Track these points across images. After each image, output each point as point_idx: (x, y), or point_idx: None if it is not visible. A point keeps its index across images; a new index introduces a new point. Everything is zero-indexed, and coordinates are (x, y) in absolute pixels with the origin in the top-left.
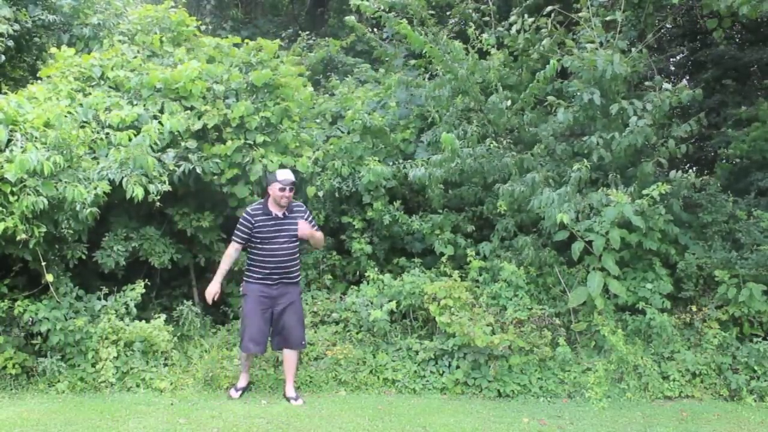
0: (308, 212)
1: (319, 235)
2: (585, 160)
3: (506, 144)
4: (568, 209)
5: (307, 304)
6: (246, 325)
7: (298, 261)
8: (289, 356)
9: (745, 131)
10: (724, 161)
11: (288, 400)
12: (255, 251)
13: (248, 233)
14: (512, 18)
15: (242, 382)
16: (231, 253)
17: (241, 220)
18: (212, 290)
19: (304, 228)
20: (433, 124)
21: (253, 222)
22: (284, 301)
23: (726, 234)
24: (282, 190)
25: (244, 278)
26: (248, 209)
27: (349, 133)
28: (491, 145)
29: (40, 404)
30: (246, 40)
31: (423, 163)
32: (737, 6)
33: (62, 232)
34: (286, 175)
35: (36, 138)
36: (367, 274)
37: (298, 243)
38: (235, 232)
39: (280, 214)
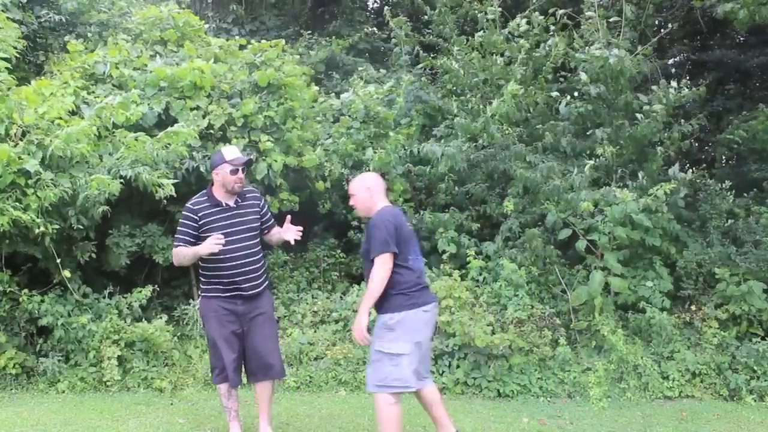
0: (263, 198)
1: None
2: (596, 150)
3: (513, 132)
4: (585, 197)
5: (307, 303)
6: (214, 351)
7: (263, 261)
8: (267, 388)
9: (745, 116)
10: (723, 147)
11: None
12: (209, 257)
13: (194, 233)
14: (518, 20)
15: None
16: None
17: (181, 219)
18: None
19: (289, 232)
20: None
21: (197, 217)
22: (255, 318)
23: (724, 233)
24: (234, 172)
25: (201, 293)
26: (188, 204)
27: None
28: (502, 129)
29: (40, 404)
30: (250, 40)
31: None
32: (735, 12)
33: (71, 230)
34: (236, 153)
35: (52, 131)
36: None
37: (260, 238)
38: (176, 236)
39: (231, 203)
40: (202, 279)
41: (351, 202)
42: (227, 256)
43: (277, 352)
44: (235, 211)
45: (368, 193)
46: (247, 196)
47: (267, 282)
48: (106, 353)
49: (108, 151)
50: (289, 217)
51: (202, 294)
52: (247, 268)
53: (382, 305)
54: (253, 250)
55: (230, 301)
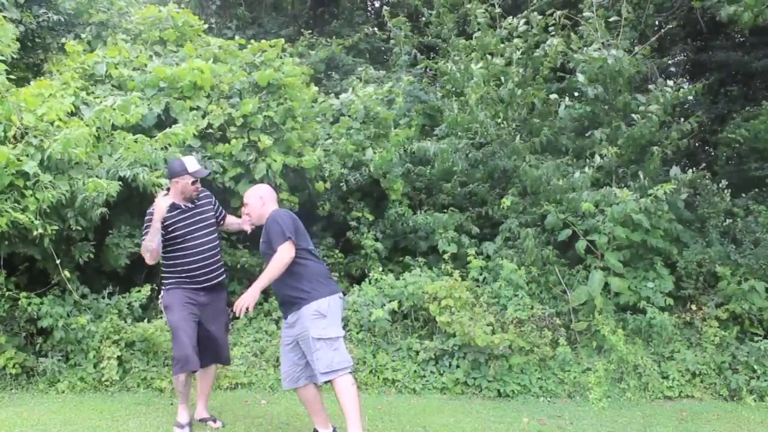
0: (213, 197)
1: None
2: (596, 150)
3: (514, 128)
4: (587, 198)
5: None
6: (177, 342)
7: (221, 254)
8: (211, 373)
9: (746, 115)
10: (724, 145)
11: (205, 422)
12: (174, 254)
13: (161, 234)
14: (511, 20)
15: (184, 417)
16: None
17: (146, 224)
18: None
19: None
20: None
21: (163, 221)
22: (213, 308)
23: (723, 233)
24: (194, 183)
25: (164, 287)
26: (150, 210)
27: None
28: (501, 124)
29: (40, 404)
30: (251, 41)
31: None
32: (738, 14)
33: (70, 231)
34: (197, 166)
35: (51, 133)
36: (371, 274)
37: (217, 233)
38: (143, 239)
39: (190, 204)
40: (167, 274)
41: (244, 211)
42: (193, 251)
43: (227, 341)
44: (194, 211)
45: (260, 201)
46: (201, 196)
47: (225, 275)
48: (105, 353)
49: (107, 152)
50: (244, 209)
51: (166, 288)
52: (209, 261)
53: (301, 297)
54: (213, 244)
55: (195, 292)
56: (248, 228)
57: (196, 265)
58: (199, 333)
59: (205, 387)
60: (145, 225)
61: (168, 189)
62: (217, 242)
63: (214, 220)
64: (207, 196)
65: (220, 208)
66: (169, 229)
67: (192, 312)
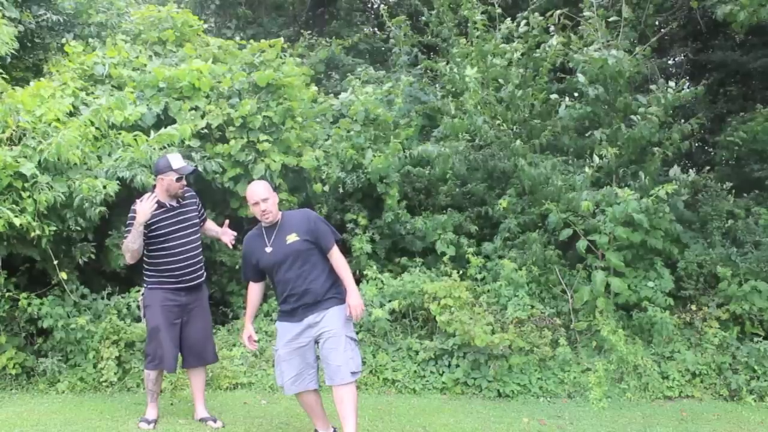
0: (198, 197)
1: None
2: (597, 151)
3: (514, 131)
4: (587, 197)
5: None
6: (154, 339)
7: (203, 256)
8: (201, 373)
9: (745, 116)
10: (723, 148)
11: (205, 422)
12: (157, 252)
13: (144, 233)
14: (509, 22)
15: (152, 413)
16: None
17: (129, 221)
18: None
19: (226, 236)
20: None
21: (147, 219)
22: (195, 308)
23: (724, 234)
24: (179, 179)
25: (146, 285)
26: (134, 206)
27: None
28: (500, 127)
29: (40, 404)
30: (250, 41)
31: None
32: (734, 14)
33: (70, 231)
34: (182, 163)
35: (48, 134)
36: (365, 273)
37: (200, 233)
38: (125, 236)
39: (175, 203)
40: (148, 273)
41: (266, 207)
42: (176, 251)
43: (211, 340)
44: (178, 210)
45: (277, 198)
46: (186, 195)
47: (205, 274)
48: (105, 354)
49: (106, 152)
50: (227, 221)
51: (148, 287)
52: (192, 261)
53: (336, 297)
54: (195, 245)
55: (176, 293)
56: (229, 240)
57: (178, 265)
58: (182, 334)
59: (198, 388)
60: (127, 223)
61: (154, 186)
62: (200, 242)
63: (197, 220)
64: (192, 195)
65: (203, 209)
66: (153, 228)
67: (173, 313)
